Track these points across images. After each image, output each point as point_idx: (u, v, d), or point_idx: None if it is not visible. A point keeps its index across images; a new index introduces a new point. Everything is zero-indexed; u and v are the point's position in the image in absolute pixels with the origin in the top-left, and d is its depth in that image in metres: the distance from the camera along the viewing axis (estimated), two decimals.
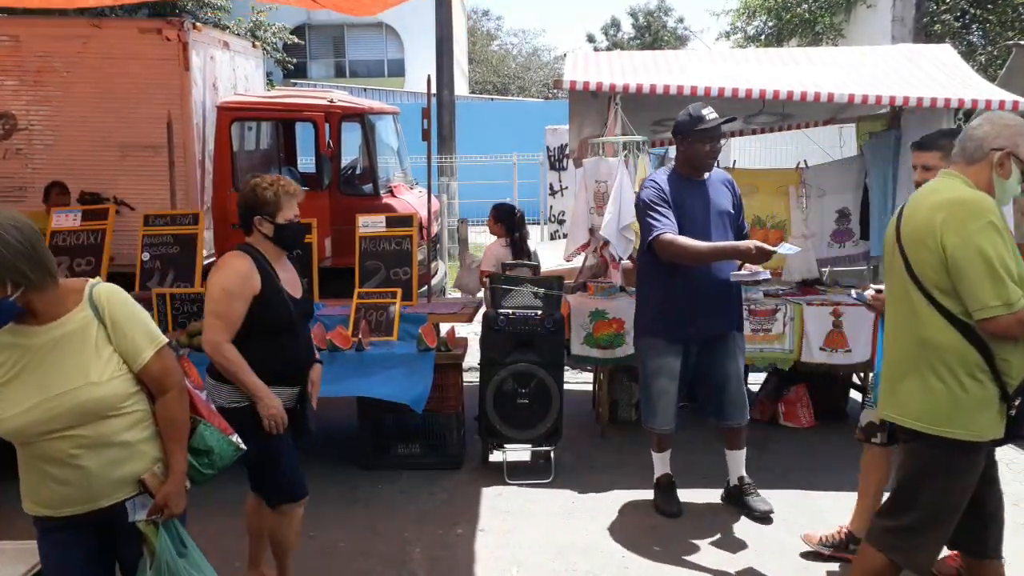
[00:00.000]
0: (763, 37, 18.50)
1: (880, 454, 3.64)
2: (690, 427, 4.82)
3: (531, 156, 14.43)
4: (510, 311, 4.77)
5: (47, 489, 2.31)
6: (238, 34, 12.58)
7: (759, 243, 3.82)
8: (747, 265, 4.04)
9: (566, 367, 5.16)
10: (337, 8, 5.76)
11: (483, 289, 5.40)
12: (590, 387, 6.21)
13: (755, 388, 5.94)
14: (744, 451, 4.34)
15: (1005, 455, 2.82)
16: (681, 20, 39.57)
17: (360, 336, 4.79)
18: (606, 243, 5.15)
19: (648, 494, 4.42)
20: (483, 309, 5.14)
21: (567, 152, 9.15)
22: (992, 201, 2.60)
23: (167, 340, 2.43)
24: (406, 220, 5.54)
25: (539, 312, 4.77)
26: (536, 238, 10.16)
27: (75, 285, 2.32)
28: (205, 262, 5.59)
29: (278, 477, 3.27)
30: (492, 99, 26.10)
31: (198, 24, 7.54)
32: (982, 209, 2.54)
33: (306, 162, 8.87)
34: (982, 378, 2.58)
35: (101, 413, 2.27)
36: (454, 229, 12.95)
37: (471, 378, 5.55)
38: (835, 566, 3.74)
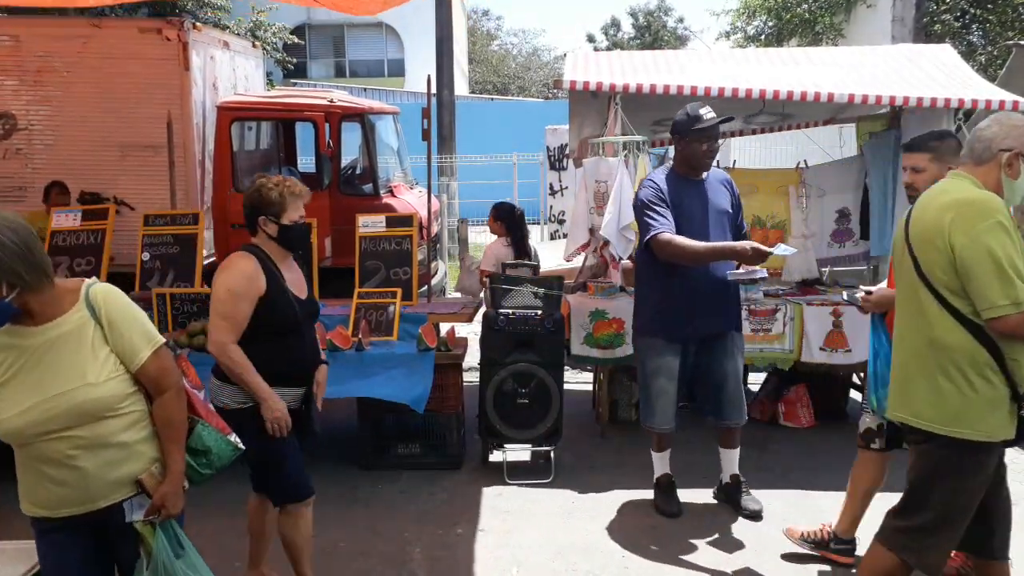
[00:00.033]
0: (763, 37, 18.51)
1: (873, 458, 3.62)
2: (690, 427, 4.82)
3: (531, 156, 14.42)
4: (510, 311, 4.77)
5: (44, 490, 2.30)
6: (238, 34, 12.57)
7: (755, 244, 3.82)
8: (744, 264, 4.04)
9: (566, 367, 5.16)
10: (337, 7, 5.75)
11: (483, 289, 5.40)
12: (590, 387, 6.20)
13: (755, 388, 5.94)
14: (738, 450, 4.35)
15: (1006, 455, 2.81)
16: (681, 20, 39.66)
17: (360, 336, 4.79)
18: (606, 243, 5.15)
19: (648, 494, 4.42)
20: (483, 309, 5.14)
21: (567, 152, 9.14)
22: (1001, 201, 2.60)
23: (164, 340, 2.43)
24: (406, 220, 5.54)
25: (539, 312, 4.77)
26: (536, 238, 10.15)
27: (71, 285, 2.32)
28: (205, 262, 5.58)
29: (282, 478, 3.25)
30: (492, 99, 26.10)
31: (198, 24, 7.54)
32: (990, 209, 2.54)
33: (306, 162, 8.86)
34: (992, 378, 2.57)
35: (98, 414, 2.27)
36: (454, 229, 12.96)
37: (471, 378, 5.55)
38: (834, 567, 3.73)
